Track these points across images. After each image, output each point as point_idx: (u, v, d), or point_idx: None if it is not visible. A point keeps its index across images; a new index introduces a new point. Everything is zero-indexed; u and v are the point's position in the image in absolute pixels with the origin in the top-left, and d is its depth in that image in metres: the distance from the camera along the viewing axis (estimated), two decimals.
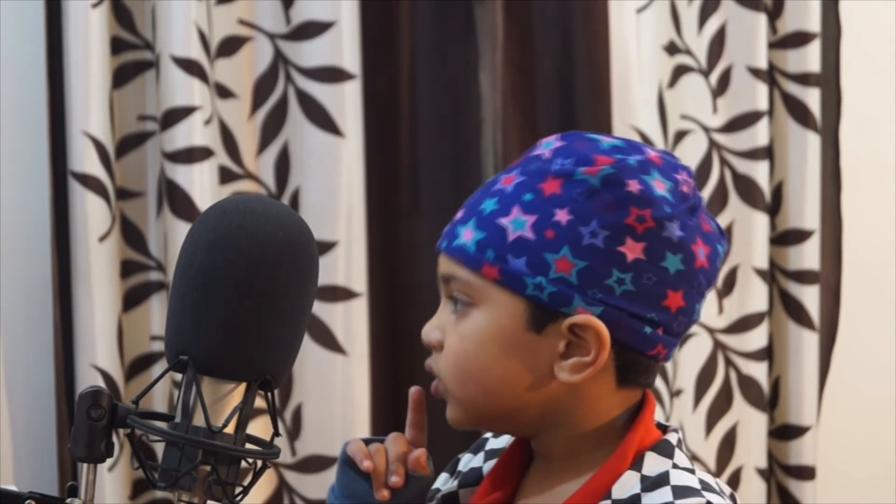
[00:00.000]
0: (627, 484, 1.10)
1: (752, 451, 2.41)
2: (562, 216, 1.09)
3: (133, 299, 2.14)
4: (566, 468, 1.16)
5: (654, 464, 1.11)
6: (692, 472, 1.12)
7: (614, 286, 1.09)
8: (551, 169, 1.11)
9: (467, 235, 1.13)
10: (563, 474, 1.16)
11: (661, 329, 1.11)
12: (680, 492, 1.08)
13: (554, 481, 1.16)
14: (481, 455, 1.27)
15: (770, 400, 2.45)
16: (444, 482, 1.28)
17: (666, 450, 1.13)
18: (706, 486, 1.10)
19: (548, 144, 1.14)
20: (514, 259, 1.10)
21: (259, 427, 1.85)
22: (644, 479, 1.10)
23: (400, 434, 1.24)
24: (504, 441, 1.25)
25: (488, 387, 1.14)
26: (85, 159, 2.03)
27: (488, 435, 1.29)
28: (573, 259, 1.09)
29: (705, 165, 2.38)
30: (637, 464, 1.11)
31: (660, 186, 1.10)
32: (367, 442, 1.24)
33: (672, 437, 1.15)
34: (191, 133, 2.06)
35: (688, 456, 1.14)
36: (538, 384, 1.13)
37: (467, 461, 1.28)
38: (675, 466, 1.11)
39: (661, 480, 1.10)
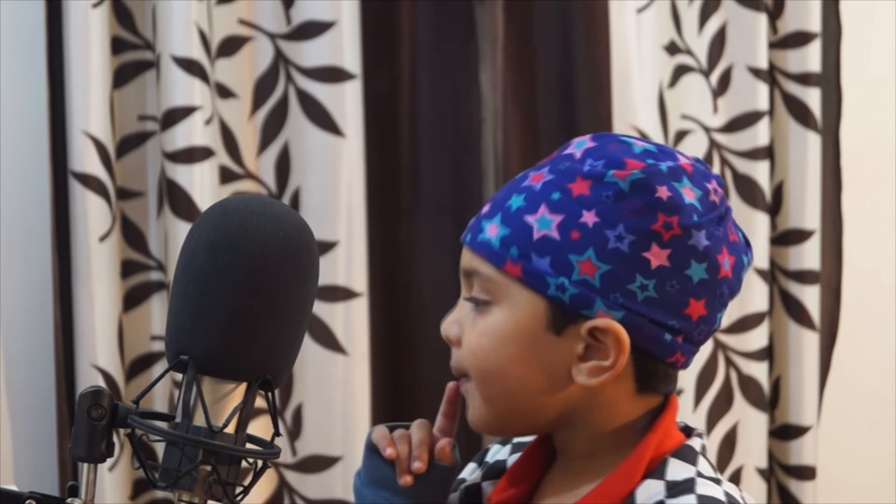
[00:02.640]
0: (652, 491, 1.09)
1: (753, 450, 2.41)
2: (589, 218, 1.09)
3: (133, 299, 2.14)
4: (585, 468, 1.15)
5: (677, 470, 1.11)
6: (718, 482, 1.11)
7: (637, 292, 1.08)
8: (581, 170, 1.10)
9: (492, 231, 1.12)
10: (581, 474, 1.15)
11: (682, 337, 1.11)
12: (705, 501, 1.07)
13: (572, 481, 1.16)
14: (508, 447, 1.27)
15: (770, 400, 2.45)
16: (470, 472, 1.28)
17: (689, 456, 1.12)
18: (732, 500, 1.09)
19: (580, 144, 1.13)
20: (538, 258, 1.09)
21: (259, 427, 1.85)
22: (669, 485, 1.09)
23: (425, 421, 1.23)
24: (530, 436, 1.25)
25: (508, 386, 1.13)
26: (85, 159, 2.03)
27: None
28: (597, 262, 1.08)
29: None
30: (660, 470, 1.11)
31: (689, 194, 1.09)
32: (392, 428, 1.24)
33: (695, 443, 1.14)
34: (191, 133, 2.06)
35: (711, 464, 1.13)
36: (556, 386, 1.12)
37: (495, 452, 1.28)
38: (699, 475, 1.10)
39: (687, 488, 1.09)
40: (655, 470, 1.11)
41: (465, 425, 1.21)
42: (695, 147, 2.37)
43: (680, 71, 2.36)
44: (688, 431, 1.16)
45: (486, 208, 1.15)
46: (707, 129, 2.38)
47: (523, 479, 1.20)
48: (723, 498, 1.08)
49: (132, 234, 2.14)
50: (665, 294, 1.09)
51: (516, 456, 1.24)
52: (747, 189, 2.38)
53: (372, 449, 1.23)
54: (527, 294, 1.10)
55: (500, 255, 1.11)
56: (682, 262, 1.09)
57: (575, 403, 1.13)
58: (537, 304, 1.10)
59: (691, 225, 1.09)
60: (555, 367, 1.11)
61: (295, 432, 2.19)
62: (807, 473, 2.43)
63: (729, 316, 2.40)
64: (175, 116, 2.06)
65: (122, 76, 2.12)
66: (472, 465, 1.29)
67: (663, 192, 1.09)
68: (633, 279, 1.08)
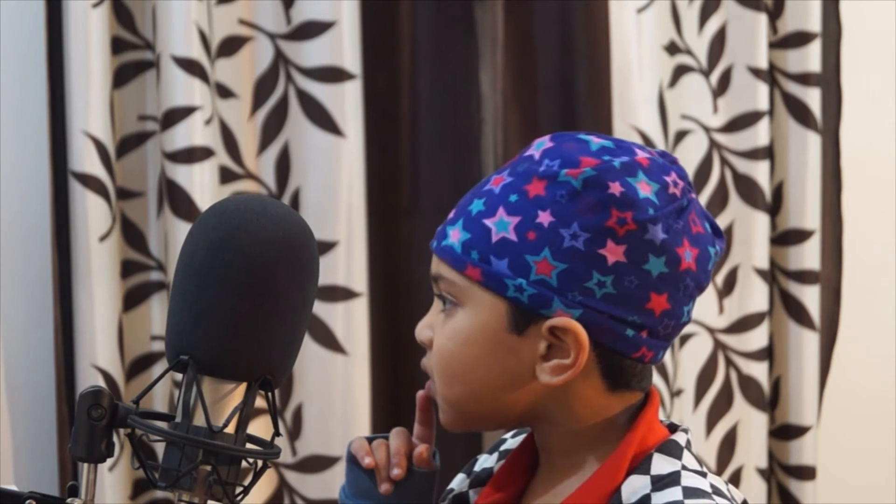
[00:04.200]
0: (637, 486, 1.10)
1: (753, 450, 2.41)
2: (544, 218, 1.09)
3: (133, 299, 2.14)
4: (569, 466, 1.15)
5: (662, 465, 1.11)
6: (703, 475, 1.11)
7: (595, 289, 1.09)
8: (538, 170, 1.11)
9: (455, 236, 1.14)
10: (566, 473, 1.16)
11: (646, 332, 1.11)
12: (690, 493, 1.07)
13: (557, 480, 1.16)
14: (495, 455, 1.27)
15: (770, 400, 2.45)
16: (459, 482, 1.28)
17: (673, 451, 1.12)
18: (717, 491, 1.09)
19: (539, 145, 1.14)
20: (497, 260, 1.10)
21: (259, 427, 1.85)
22: (654, 479, 1.10)
23: (402, 429, 1.25)
24: (518, 442, 1.25)
25: (472, 387, 1.14)
26: (85, 159, 2.03)
27: (507, 435, 1.30)
28: (554, 261, 1.09)
29: (706, 165, 2.38)
30: (644, 466, 1.11)
31: (645, 189, 1.09)
32: (370, 439, 1.25)
33: (680, 438, 1.14)
34: (191, 133, 2.06)
35: (697, 457, 1.14)
36: (521, 385, 1.13)
37: (483, 461, 1.28)
38: (684, 468, 1.11)
39: (672, 481, 1.09)
40: (640, 465, 1.11)
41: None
42: (695, 147, 2.37)
43: (680, 71, 2.36)
44: (673, 428, 1.16)
45: (451, 214, 1.16)
46: (707, 129, 2.38)
47: (509, 483, 1.21)
48: (708, 489, 1.09)
49: (132, 234, 2.14)
50: (624, 290, 1.09)
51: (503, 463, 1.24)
52: (747, 189, 2.38)
53: (352, 461, 1.24)
54: (488, 296, 1.12)
55: (461, 259, 1.12)
56: (639, 256, 1.09)
57: (542, 401, 1.13)
58: (498, 305, 1.11)
59: (647, 219, 1.09)
60: (519, 367, 1.12)
61: (295, 432, 2.19)
62: (807, 473, 2.43)
63: (729, 316, 2.40)
64: (175, 116, 2.06)
65: (122, 76, 2.12)
66: (461, 476, 1.30)
67: (616, 188, 1.09)
68: (590, 276, 1.09)
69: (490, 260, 1.11)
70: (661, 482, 1.09)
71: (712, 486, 1.10)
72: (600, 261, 1.08)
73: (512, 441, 1.27)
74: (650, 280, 1.09)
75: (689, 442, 1.15)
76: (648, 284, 1.09)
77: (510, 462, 1.22)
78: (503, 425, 1.21)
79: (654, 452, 1.12)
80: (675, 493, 1.08)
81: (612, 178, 1.09)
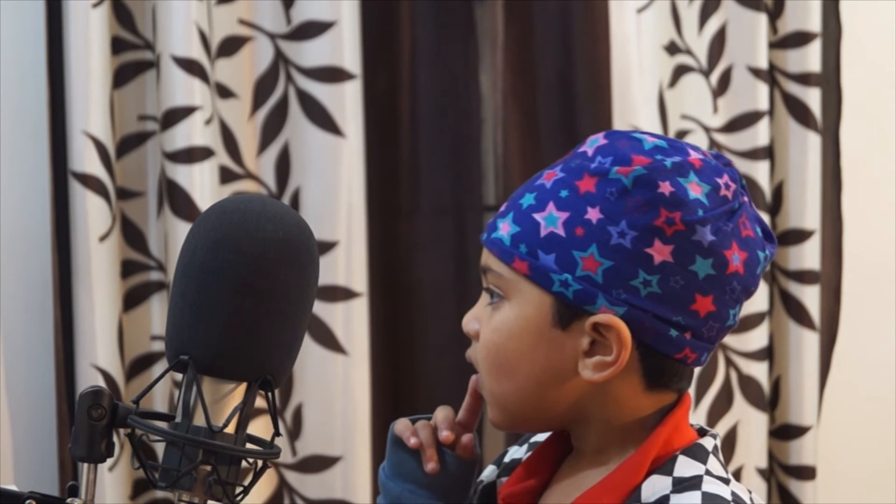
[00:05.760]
0: (658, 486, 1.10)
1: (753, 450, 2.41)
2: (593, 214, 1.09)
3: (133, 299, 2.14)
4: (595, 463, 1.16)
5: (686, 468, 1.11)
6: (726, 482, 1.11)
7: (640, 287, 1.09)
8: (590, 167, 1.11)
9: (504, 229, 1.14)
10: (591, 469, 1.16)
11: (689, 333, 1.11)
12: (710, 499, 1.07)
13: (582, 475, 1.17)
14: (525, 447, 1.28)
15: (770, 400, 2.45)
16: (489, 474, 1.29)
17: (699, 455, 1.12)
18: (738, 500, 1.09)
19: (593, 142, 1.14)
20: (545, 255, 1.10)
21: (259, 427, 1.85)
22: (675, 481, 1.10)
23: (447, 406, 1.25)
24: (546, 435, 1.25)
25: (517, 380, 1.14)
26: (85, 159, 2.03)
27: None
28: (600, 258, 1.09)
29: None
30: (668, 467, 1.11)
31: (696, 190, 1.09)
32: (414, 421, 1.26)
33: (707, 443, 1.14)
34: (191, 133, 2.06)
35: (722, 464, 1.14)
36: (563, 381, 1.13)
37: (512, 453, 1.29)
38: (708, 473, 1.11)
39: (693, 485, 1.09)
40: (663, 466, 1.11)
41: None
42: None
43: (680, 71, 2.36)
44: (702, 432, 1.16)
45: (503, 207, 1.17)
46: (707, 129, 2.38)
47: (535, 473, 1.21)
48: (728, 497, 1.08)
49: (132, 234, 2.14)
50: (669, 290, 1.09)
51: None
52: (747, 189, 2.38)
53: (396, 442, 1.25)
54: (534, 290, 1.12)
55: (509, 252, 1.12)
56: (686, 257, 1.09)
57: (584, 398, 1.13)
58: (544, 300, 1.11)
59: (695, 220, 1.09)
60: (562, 362, 1.12)
61: (295, 432, 2.19)
62: (807, 473, 2.43)
63: None
64: (175, 116, 2.06)
65: (122, 76, 2.12)
66: (491, 467, 1.30)
67: (666, 188, 1.09)
68: (635, 275, 1.09)
69: (537, 254, 1.11)
70: (682, 484, 1.09)
71: (734, 493, 1.09)
72: (647, 260, 1.08)
73: (541, 434, 1.27)
74: (696, 281, 1.09)
75: (716, 448, 1.14)
76: (694, 286, 1.09)
77: (538, 452, 1.22)
78: (546, 426, 1.21)
79: (679, 454, 1.12)
80: (694, 497, 1.08)
81: (663, 177, 1.09)
